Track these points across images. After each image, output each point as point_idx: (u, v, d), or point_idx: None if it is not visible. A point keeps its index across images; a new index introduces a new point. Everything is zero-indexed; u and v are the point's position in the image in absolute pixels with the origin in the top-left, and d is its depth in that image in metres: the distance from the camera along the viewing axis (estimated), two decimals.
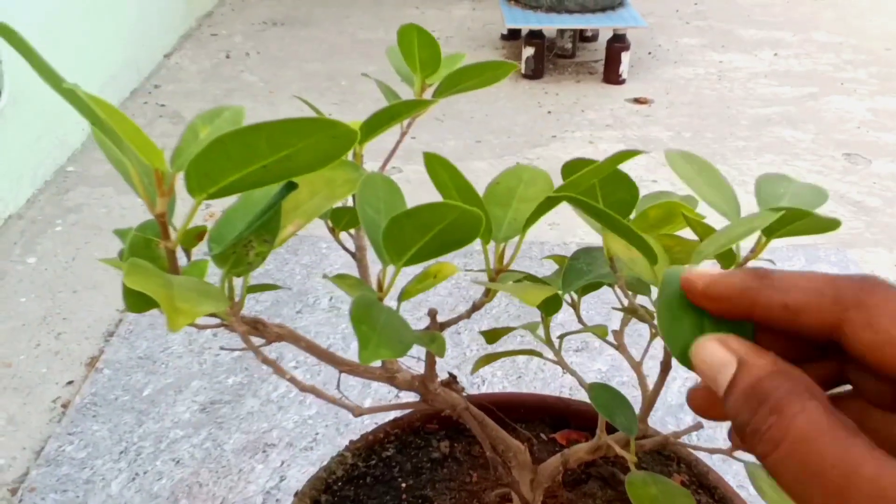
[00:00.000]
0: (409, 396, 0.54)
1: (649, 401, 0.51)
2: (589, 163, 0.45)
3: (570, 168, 0.46)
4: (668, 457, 0.64)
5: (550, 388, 1.17)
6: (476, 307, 0.43)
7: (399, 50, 0.52)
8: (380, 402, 1.12)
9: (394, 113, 0.46)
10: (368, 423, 0.95)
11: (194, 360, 1.22)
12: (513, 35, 2.71)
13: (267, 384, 1.17)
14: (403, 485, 0.63)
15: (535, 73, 2.39)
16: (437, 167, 0.41)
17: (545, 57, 2.44)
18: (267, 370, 1.20)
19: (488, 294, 0.42)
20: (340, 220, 0.49)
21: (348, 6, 3.08)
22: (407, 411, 0.68)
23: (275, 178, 0.36)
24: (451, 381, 0.50)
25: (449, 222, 0.36)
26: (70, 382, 1.19)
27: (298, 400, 1.14)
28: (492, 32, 2.81)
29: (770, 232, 0.41)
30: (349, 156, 0.51)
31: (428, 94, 0.55)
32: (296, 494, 0.60)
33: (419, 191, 1.76)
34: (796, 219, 0.41)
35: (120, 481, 1.01)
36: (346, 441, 0.68)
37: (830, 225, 0.42)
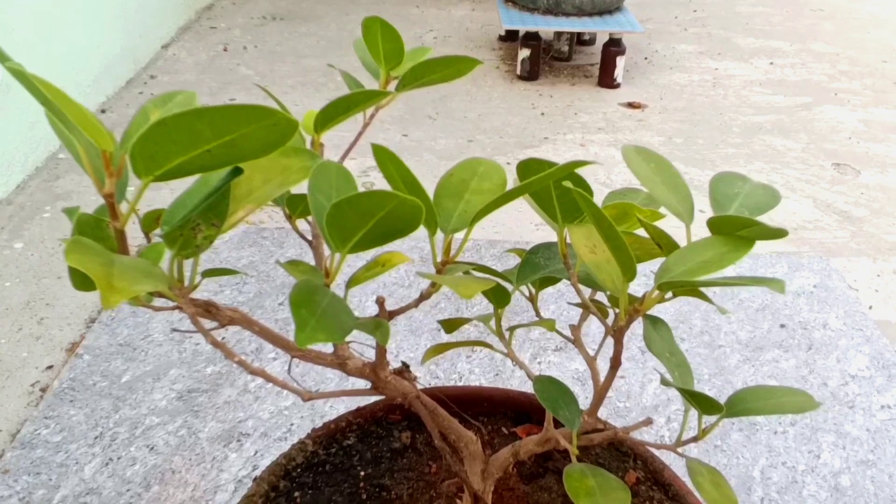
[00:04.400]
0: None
1: (599, 395, 0.52)
2: (544, 163, 0.45)
3: (526, 167, 0.47)
4: (624, 453, 0.65)
5: (526, 386, 1.17)
6: (423, 297, 0.44)
7: (364, 42, 0.53)
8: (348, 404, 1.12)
9: (351, 102, 0.46)
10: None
11: (174, 348, 1.23)
12: (510, 36, 2.72)
13: (244, 374, 1.18)
14: (362, 473, 0.63)
15: (530, 74, 2.40)
16: (385, 161, 0.41)
17: (541, 59, 2.45)
18: (246, 360, 1.20)
19: (433, 285, 0.42)
20: (296, 207, 0.50)
21: (350, 3, 3.09)
22: (370, 401, 0.69)
23: (221, 162, 0.37)
24: (404, 370, 0.50)
25: (389, 210, 0.36)
26: (50, 367, 1.20)
27: (275, 391, 1.15)
28: (490, 33, 2.81)
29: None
30: (307, 144, 0.52)
31: (394, 85, 0.56)
32: (254, 479, 0.61)
33: None
34: (744, 226, 0.42)
35: (93, 466, 1.02)
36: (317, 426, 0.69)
37: (776, 234, 0.43)
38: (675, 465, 0.99)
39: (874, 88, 2.45)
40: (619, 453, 0.65)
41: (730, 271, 1.47)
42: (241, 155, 0.36)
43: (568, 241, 0.49)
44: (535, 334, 1.28)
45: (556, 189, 0.45)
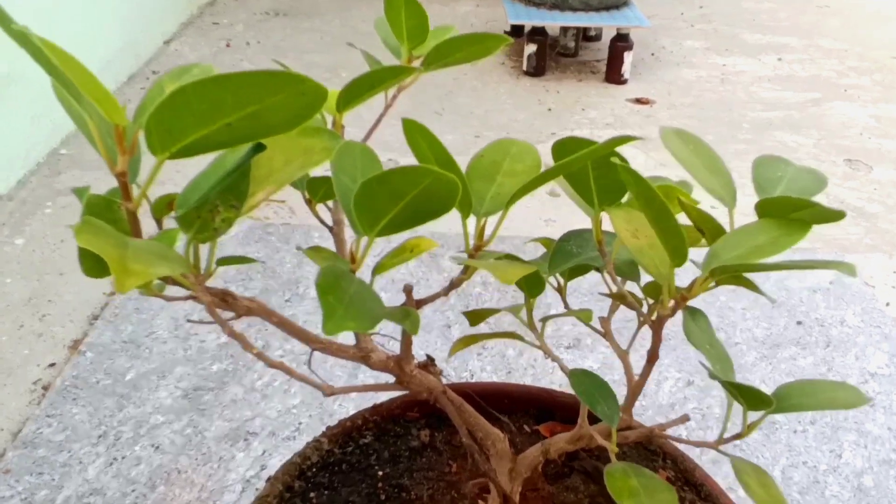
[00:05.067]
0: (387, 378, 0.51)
1: (634, 390, 0.49)
2: (581, 142, 0.43)
3: (562, 147, 0.44)
4: (653, 451, 0.62)
5: (541, 384, 1.14)
6: (454, 284, 0.41)
7: (386, 20, 0.51)
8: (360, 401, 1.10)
9: (375, 80, 0.44)
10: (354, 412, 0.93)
11: (179, 345, 1.20)
12: (516, 32, 2.69)
13: (252, 372, 1.15)
14: (380, 473, 0.61)
15: (536, 70, 2.37)
16: (417, 136, 0.39)
17: (547, 55, 2.42)
18: (253, 358, 1.18)
19: (466, 271, 0.40)
20: (317, 190, 0.47)
21: None
22: (387, 397, 0.66)
23: (241, 138, 0.35)
24: (429, 364, 0.48)
25: (422, 188, 0.34)
26: (52, 365, 1.17)
27: (283, 389, 1.12)
28: (495, 29, 2.79)
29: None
30: (328, 125, 0.49)
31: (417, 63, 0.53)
32: (268, 480, 0.59)
33: None
34: (797, 208, 0.39)
35: (97, 466, 0.99)
36: (335, 421, 0.66)
37: (834, 215, 0.40)
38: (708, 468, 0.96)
39: (884, 84, 2.43)
40: (648, 452, 0.63)
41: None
42: (263, 129, 0.34)
43: (604, 227, 0.46)
44: (547, 331, 1.25)
45: (594, 170, 0.43)
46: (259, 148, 0.36)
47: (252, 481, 0.98)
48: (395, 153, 1.86)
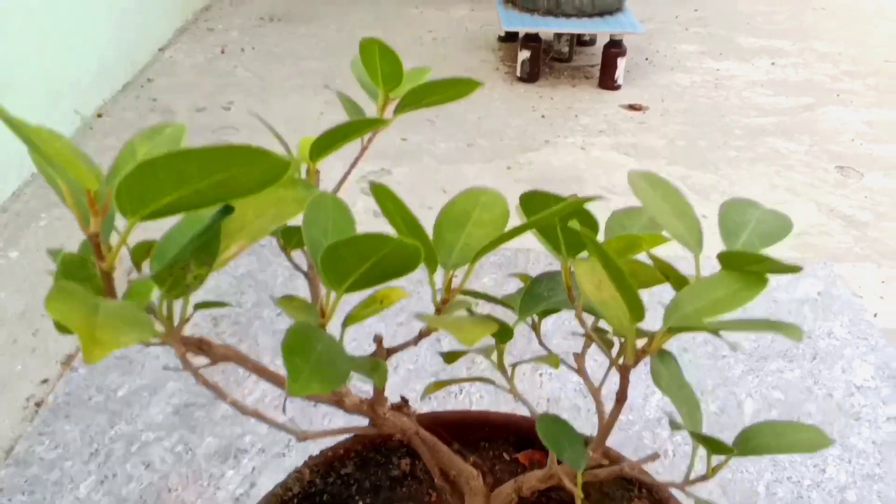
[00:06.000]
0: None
1: (604, 429, 0.50)
2: (549, 197, 0.44)
3: (529, 200, 0.45)
4: (629, 481, 0.63)
5: (516, 403, 1.16)
6: (422, 334, 0.42)
7: (361, 63, 0.51)
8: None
9: (349, 130, 0.45)
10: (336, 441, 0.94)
11: (171, 361, 1.21)
12: (510, 37, 2.70)
13: (242, 388, 1.16)
14: (361, 503, 0.62)
15: (530, 76, 2.38)
16: (385, 200, 0.40)
17: (541, 60, 2.43)
18: (244, 373, 1.19)
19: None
20: (291, 238, 0.48)
21: (349, 4, 3.07)
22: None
23: (210, 201, 0.35)
24: (402, 405, 0.49)
25: (386, 253, 0.35)
26: (45, 381, 1.18)
27: (274, 405, 1.13)
28: (489, 34, 2.79)
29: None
30: (302, 173, 0.50)
31: (393, 107, 0.54)
32: None
33: (409, 194, 1.75)
34: (753, 262, 0.40)
35: (89, 484, 1.00)
36: (319, 449, 0.67)
37: (790, 269, 0.41)
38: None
39: (877, 88, 2.43)
40: (624, 481, 0.64)
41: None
42: (231, 193, 0.35)
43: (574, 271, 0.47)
44: (538, 346, 1.26)
45: (561, 221, 0.44)
46: (227, 210, 0.37)
47: (241, 499, 0.99)
48: (388, 162, 1.87)
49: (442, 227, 0.45)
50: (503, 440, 0.69)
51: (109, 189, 0.38)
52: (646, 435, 1.12)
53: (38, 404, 1.14)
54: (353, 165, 0.50)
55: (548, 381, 1.20)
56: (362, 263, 0.36)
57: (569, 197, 0.41)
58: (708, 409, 1.19)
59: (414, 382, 1.20)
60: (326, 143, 0.46)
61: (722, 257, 0.42)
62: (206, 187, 0.34)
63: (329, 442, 1.08)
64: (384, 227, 1.65)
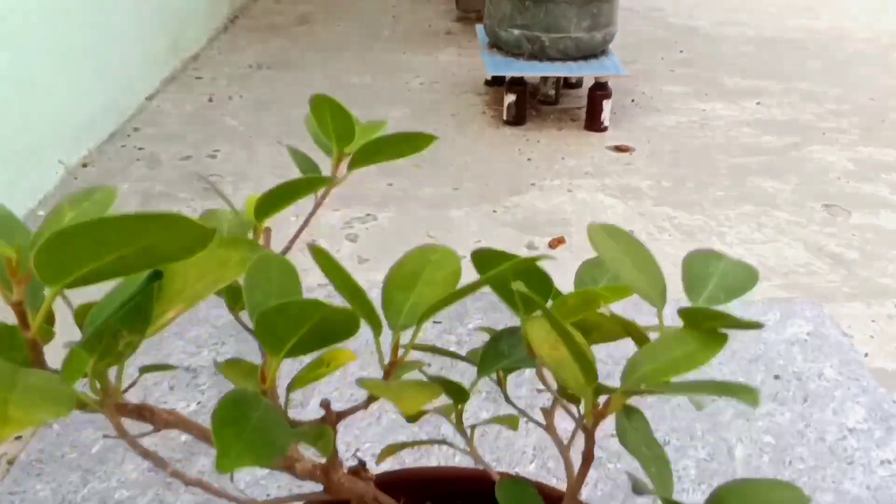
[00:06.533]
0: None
1: (571, 490, 0.48)
2: (500, 254, 0.43)
3: (481, 258, 0.44)
4: None
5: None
6: (372, 398, 0.40)
7: (314, 121, 0.50)
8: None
9: (295, 189, 0.44)
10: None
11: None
12: (497, 81, 2.72)
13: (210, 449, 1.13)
14: None
15: (516, 119, 2.39)
16: (327, 264, 0.38)
17: (527, 103, 2.44)
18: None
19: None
20: (238, 298, 0.46)
21: (337, 51, 3.09)
22: None
23: (138, 267, 0.34)
24: (360, 469, 0.47)
25: (320, 319, 0.33)
26: (18, 437, 1.15)
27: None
28: (476, 78, 2.81)
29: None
30: (249, 233, 0.49)
31: (347, 162, 0.53)
32: None
33: (392, 239, 1.74)
34: (712, 318, 0.39)
35: None
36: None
37: (752, 325, 0.40)
38: None
39: (862, 127, 2.44)
40: None
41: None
42: (158, 259, 0.33)
43: None
44: (524, 387, 1.24)
45: (515, 278, 0.42)
46: (156, 276, 0.35)
47: None
48: (373, 208, 1.86)
49: (391, 287, 0.43)
50: (471, 497, 0.66)
51: (32, 254, 0.37)
52: (618, 494, 1.09)
53: (10, 462, 1.11)
54: (305, 222, 0.48)
55: (534, 428, 1.17)
56: (298, 329, 0.35)
57: (520, 256, 0.39)
58: (698, 455, 1.16)
59: (377, 437, 1.18)
60: (271, 202, 0.45)
61: (683, 314, 0.40)
62: (130, 254, 0.32)
63: (308, 486, 1.05)
64: (369, 273, 1.63)
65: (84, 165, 2.04)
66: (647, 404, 1.23)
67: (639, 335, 0.42)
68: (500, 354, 0.47)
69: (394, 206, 1.88)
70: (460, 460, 1.11)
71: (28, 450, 1.12)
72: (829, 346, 1.41)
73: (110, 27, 2.22)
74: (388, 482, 0.53)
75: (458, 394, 0.43)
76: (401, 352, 0.39)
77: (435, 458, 1.13)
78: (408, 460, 1.10)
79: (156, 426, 0.42)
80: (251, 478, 1.09)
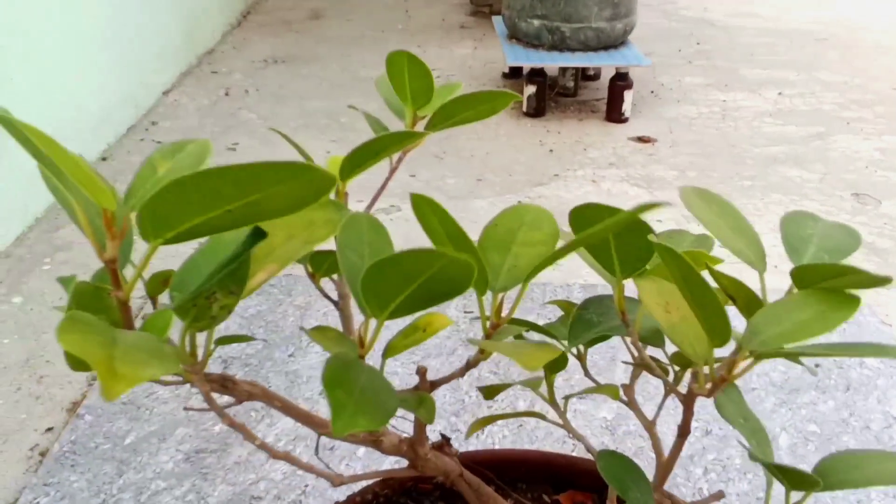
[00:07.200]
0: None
1: (665, 468, 0.46)
2: (601, 208, 0.40)
3: (580, 213, 0.42)
4: None
5: (554, 438, 1.11)
6: (470, 365, 0.38)
7: (388, 80, 0.48)
8: (368, 466, 1.06)
9: (380, 146, 0.42)
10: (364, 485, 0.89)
11: (180, 405, 1.16)
12: (514, 73, 2.70)
13: (255, 431, 1.11)
14: None
15: (536, 111, 2.37)
16: (427, 211, 0.36)
17: (547, 95, 2.42)
18: (256, 417, 1.14)
19: (483, 352, 0.37)
20: (321, 264, 0.44)
21: (351, 44, 3.07)
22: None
23: (241, 222, 0.32)
24: (444, 444, 0.45)
25: (435, 271, 0.31)
26: (50, 429, 1.14)
27: (288, 449, 1.08)
28: (493, 71, 2.79)
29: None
30: (331, 194, 0.47)
31: (421, 125, 0.51)
32: None
33: (417, 230, 1.72)
34: (837, 274, 0.37)
35: None
36: (337, 494, 0.63)
37: (881, 281, 0.37)
38: None
39: (887, 116, 2.41)
40: None
41: None
42: (265, 214, 0.31)
43: (627, 295, 0.43)
44: (559, 381, 1.22)
45: (615, 238, 0.40)
46: (259, 235, 0.33)
47: None
48: (397, 199, 1.84)
49: (485, 247, 0.41)
50: (541, 480, 0.64)
51: (127, 209, 0.35)
52: (678, 472, 1.07)
53: (42, 454, 1.09)
54: (386, 181, 0.46)
55: (572, 418, 1.15)
56: (408, 285, 0.32)
57: (623, 210, 0.37)
58: (739, 447, 1.14)
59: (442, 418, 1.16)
60: (356, 161, 0.43)
61: (797, 273, 0.38)
62: (238, 208, 0.30)
63: (356, 469, 1.04)
64: None
65: (103, 159, 2.03)
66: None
67: (749, 300, 0.40)
68: (589, 323, 0.45)
69: None
70: (543, 436, 1.09)
71: (61, 441, 1.11)
72: (868, 335, 1.39)
73: (126, 22, 2.20)
74: (463, 463, 0.51)
75: (555, 361, 0.41)
76: (505, 311, 0.37)
77: (517, 436, 1.10)
78: (494, 439, 1.08)
79: (237, 398, 0.40)
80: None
